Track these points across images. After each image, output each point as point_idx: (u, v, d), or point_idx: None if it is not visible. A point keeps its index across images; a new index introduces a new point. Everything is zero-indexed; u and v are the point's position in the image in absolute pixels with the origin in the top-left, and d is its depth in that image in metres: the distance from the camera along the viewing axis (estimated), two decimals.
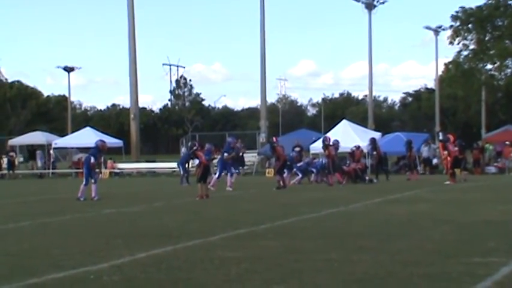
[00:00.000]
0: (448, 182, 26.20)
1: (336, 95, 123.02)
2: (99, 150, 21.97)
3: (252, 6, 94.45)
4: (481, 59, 45.67)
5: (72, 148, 47.24)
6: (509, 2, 43.52)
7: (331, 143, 28.12)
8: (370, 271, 8.35)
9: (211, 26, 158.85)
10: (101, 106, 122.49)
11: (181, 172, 30.84)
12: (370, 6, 55.75)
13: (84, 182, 21.16)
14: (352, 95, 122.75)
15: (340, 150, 29.52)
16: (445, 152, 28.78)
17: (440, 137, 39.20)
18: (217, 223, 13.99)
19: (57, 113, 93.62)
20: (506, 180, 29.51)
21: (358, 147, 30.86)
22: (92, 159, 21.29)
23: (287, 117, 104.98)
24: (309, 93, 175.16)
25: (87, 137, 46.16)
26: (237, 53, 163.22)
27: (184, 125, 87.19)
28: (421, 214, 15.07)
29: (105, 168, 42.91)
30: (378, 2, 56.08)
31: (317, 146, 35.08)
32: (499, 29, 44.80)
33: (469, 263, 8.76)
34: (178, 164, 32.29)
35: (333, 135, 39.19)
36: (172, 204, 19.97)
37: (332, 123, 49.29)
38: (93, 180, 21.20)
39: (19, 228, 14.01)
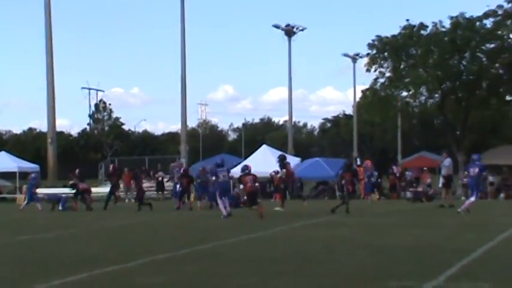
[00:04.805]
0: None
1: (257, 120, 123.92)
2: None
3: (172, 30, 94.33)
4: (397, 86, 46.74)
5: None
6: (422, 32, 44.86)
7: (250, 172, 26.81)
8: None
9: (131, 50, 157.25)
10: (17, 130, 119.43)
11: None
12: (289, 33, 56.51)
13: None
14: (273, 120, 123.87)
15: (260, 175, 29.58)
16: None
17: (358, 163, 40.04)
18: (135, 249, 13.79)
19: None
20: (421, 205, 30.23)
21: (277, 172, 31.03)
22: None
23: (207, 142, 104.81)
24: (229, 118, 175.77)
25: (2, 162, 45.00)
26: (156, 77, 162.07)
27: (103, 149, 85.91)
28: (338, 238, 15.26)
29: (21, 193, 41.74)
30: (297, 29, 56.93)
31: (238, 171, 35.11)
32: (413, 58, 46.05)
33: (386, 287, 8.91)
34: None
35: (253, 160, 39.44)
36: (89, 230, 19.58)
37: (252, 148, 49.53)
38: None
39: None
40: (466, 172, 23.35)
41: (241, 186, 23.60)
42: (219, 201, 23.58)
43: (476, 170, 21.76)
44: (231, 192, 24.70)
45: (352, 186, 24.22)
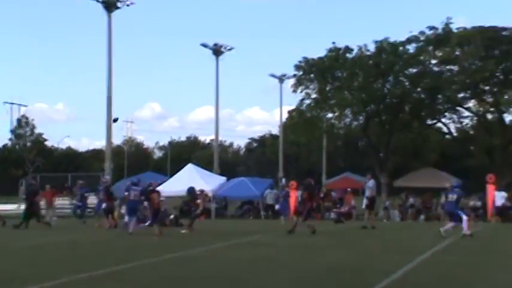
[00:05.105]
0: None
1: (183, 139, 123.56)
2: None
3: (99, 46, 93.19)
4: (322, 107, 47.43)
5: None
6: (347, 55, 45.71)
7: (155, 189, 24.90)
8: None
9: (55, 65, 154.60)
10: None
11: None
12: (217, 52, 56.59)
13: None
14: (199, 138, 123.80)
15: (185, 193, 29.34)
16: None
17: (283, 183, 40.28)
18: (54, 268, 13.42)
19: None
20: (344, 226, 30.55)
21: (202, 191, 30.83)
22: None
23: (133, 159, 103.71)
24: (156, 136, 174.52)
25: None
26: (81, 93, 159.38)
27: (25, 165, 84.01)
28: (262, 258, 15.22)
29: None
30: (225, 48, 57.08)
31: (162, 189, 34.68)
32: (339, 80, 46.84)
33: None
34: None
35: (178, 178, 39.21)
36: (6, 248, 18.98)
37: (178, 167, 49.17)
38: None
39: None
40: (443, 197, 24.00)
41: (146, 204, 23.67)
42: (127, 217, 23.97)
43: (455, 196, 22.10)
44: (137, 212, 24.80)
45: (305, 205, 24.10)
